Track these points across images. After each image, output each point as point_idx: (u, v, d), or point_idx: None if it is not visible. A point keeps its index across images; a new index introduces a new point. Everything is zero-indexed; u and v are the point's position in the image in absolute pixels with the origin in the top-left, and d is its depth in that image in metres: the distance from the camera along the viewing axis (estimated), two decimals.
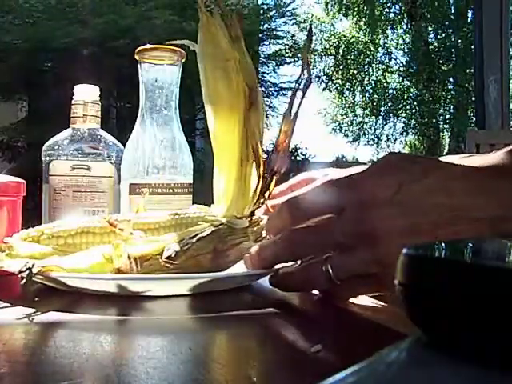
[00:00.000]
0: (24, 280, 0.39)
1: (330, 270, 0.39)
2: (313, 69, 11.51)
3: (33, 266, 0.40)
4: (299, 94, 0.50)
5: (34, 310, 0.37)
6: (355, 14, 11.96)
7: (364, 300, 0.42)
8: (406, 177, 0.37)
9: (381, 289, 0.39)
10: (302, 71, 0.50)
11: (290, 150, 0.51)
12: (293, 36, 5.29)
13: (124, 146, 0.67)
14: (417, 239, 0.35)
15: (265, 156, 0.50)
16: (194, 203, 0.64)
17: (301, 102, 0.49)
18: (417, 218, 0.36)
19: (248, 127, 0.49)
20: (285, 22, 5.26)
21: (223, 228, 0.47)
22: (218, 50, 0.51)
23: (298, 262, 0.46)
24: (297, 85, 0.49)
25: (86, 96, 0.70)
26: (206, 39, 0.52)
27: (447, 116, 11.35)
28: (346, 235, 0.38)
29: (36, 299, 0.41)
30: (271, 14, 5.11)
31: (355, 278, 0.39)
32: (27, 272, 0.39)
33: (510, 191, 0.34)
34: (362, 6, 11.77)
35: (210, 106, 0.52)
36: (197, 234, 0.46)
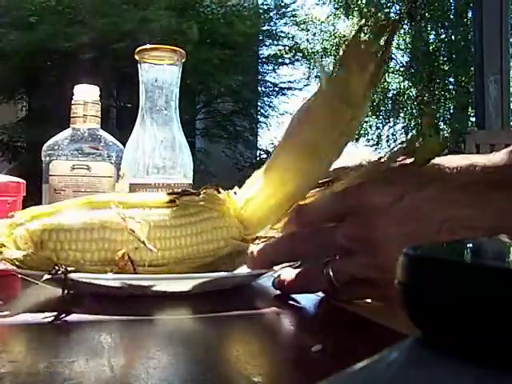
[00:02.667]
0: (64, 291, 0.39)
1: (331, 273, 0.40)
2: (313, 69, 11.50)
3: (68, 271, 0.39)
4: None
5: (39, 311, 0.37)
6: (356, 14, 11.96)
7: (364, 300, 0.42)
8: (406, 186, 0.38)
9: (380, 294, 0.40)
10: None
11: None
12: (293, 37, 5.31)
13: (124, 145, 0.67)
14: None
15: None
16: None
17: None
18: (417, 225, 0.37)
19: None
20: (285, 23, 5.27)
21: (236, 251, 0.46)
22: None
23: (298, 262, 0.46)
24: None
25: (86, 96, 0.70)
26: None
27: (447, 116, 11.35)
28: (347, 238, 0.39)
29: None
30: (271, 14, 5.12)
31: (355, 282, 0.40)
32: (63, 278, 0.39)
33: (505, 202, 0.35)
34: (362, 6, 11.77)
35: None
36: (213, 264, 0.45)
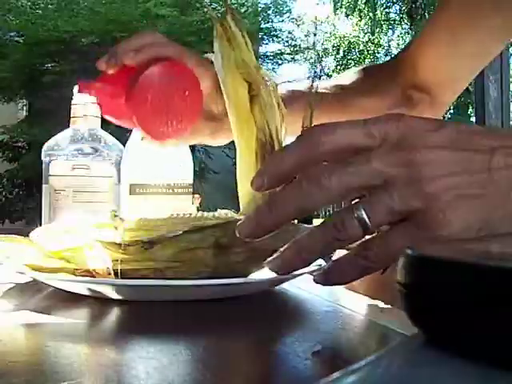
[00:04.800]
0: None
1: (364, 215, 0.32)
2: (314, 68, 11.50)
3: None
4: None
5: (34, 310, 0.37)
6: (356, 14, 11.97)
7: (364, 300, 0.42)
8: (442, 122, 0.34)
9: (423, 233, 0.32)
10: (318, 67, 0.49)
11: None
12: (290, 33, 5.31)
13: (124, 145, 0.67)
14: (468, 176, 0.31)
15: None
16: (193, 203, 0.64)
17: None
18: (466, 153, 0.32)
19: (256, 121, 0.47)
20: (283, 21, 5.27)
21: (232, 222, 0.42)
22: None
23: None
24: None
25: (86, 96, 0.70)
26: (224, 50, 0.50)
27: (447, 116, 11.35)
28: (385, 163, 0.32)
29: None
30: (269, 12, 5.13)
31: (391, 230, 0.33)
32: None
33: None
34: (362, 6, 11.77)
35: (231, 113, 0.50)
36: (195, 226, 0.43)
